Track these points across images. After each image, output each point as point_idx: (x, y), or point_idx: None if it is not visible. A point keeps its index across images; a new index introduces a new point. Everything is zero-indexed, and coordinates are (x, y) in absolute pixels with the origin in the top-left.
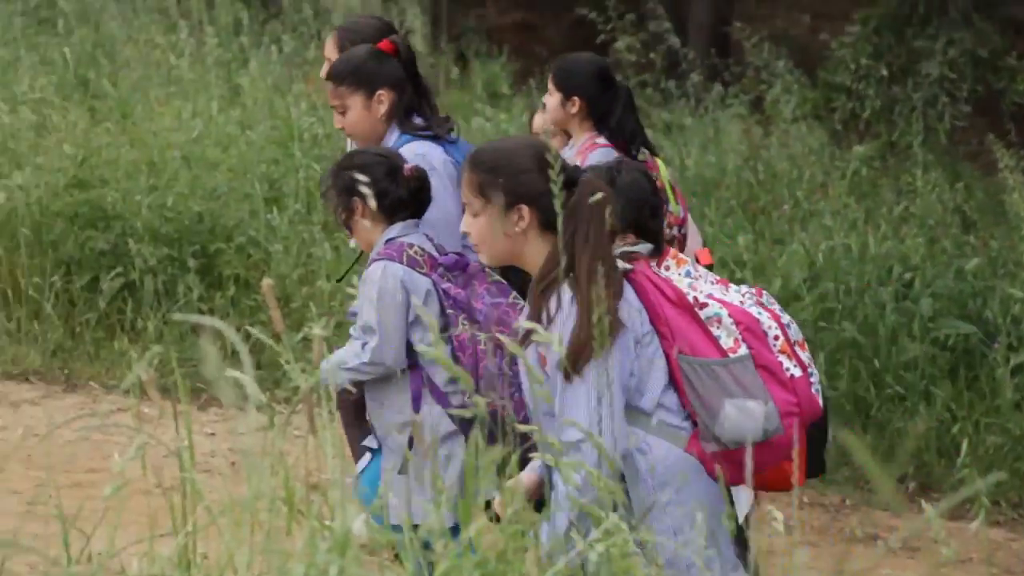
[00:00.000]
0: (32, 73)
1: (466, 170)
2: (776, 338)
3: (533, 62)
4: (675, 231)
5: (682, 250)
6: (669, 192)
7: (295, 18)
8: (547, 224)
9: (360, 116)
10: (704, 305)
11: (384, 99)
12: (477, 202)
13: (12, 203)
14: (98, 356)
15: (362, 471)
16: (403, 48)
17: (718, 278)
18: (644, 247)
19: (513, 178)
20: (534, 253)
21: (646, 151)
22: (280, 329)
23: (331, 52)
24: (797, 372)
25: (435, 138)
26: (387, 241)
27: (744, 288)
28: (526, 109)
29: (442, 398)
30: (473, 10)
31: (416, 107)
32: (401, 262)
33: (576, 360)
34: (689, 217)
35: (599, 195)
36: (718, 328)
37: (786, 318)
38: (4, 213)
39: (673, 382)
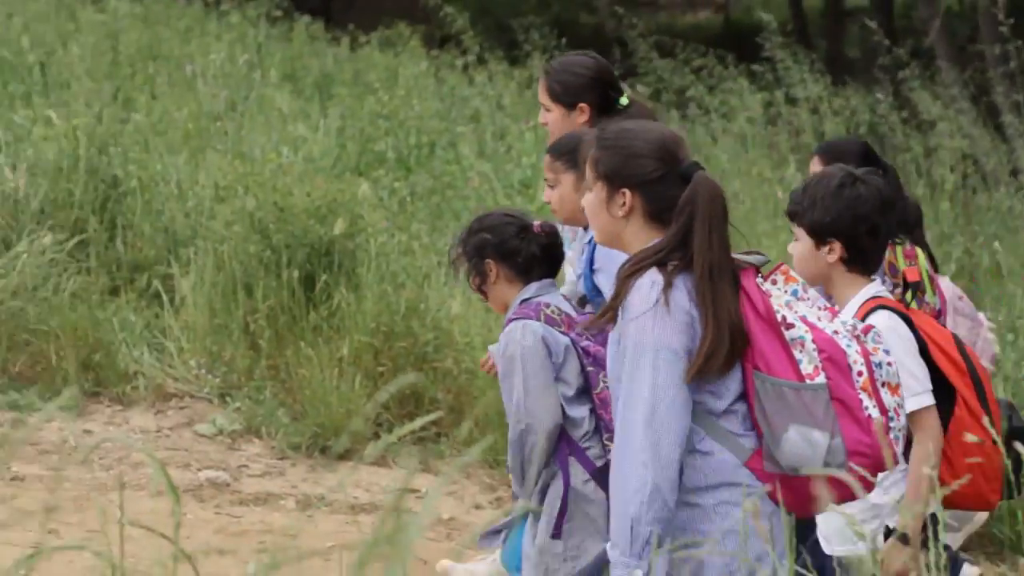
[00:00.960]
0: None
1: (591, 144)
2: (860, 374)
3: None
4: None
5: None
6: (927, 282)
7: None
8: (655, 214)
9: (567, 196)
10: (791, 326)
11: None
12: (591, 176)
13: None
14: None
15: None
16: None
17: (827, 305)
18: (756, 258)
19: (624, 161)
20: (634, 240)
21: (903, 237)
22: None
23: (543, 97)
24: (875, 413)
25: None
26: (522, 301)
27: (850, 320)
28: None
29: (581, 453)
30: None
31: None
32: (538, 320)
33: (700, 367)
34: (985, 322)
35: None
36: (800, 351)
37: (879, 358)
38: None
39: (746, 395)
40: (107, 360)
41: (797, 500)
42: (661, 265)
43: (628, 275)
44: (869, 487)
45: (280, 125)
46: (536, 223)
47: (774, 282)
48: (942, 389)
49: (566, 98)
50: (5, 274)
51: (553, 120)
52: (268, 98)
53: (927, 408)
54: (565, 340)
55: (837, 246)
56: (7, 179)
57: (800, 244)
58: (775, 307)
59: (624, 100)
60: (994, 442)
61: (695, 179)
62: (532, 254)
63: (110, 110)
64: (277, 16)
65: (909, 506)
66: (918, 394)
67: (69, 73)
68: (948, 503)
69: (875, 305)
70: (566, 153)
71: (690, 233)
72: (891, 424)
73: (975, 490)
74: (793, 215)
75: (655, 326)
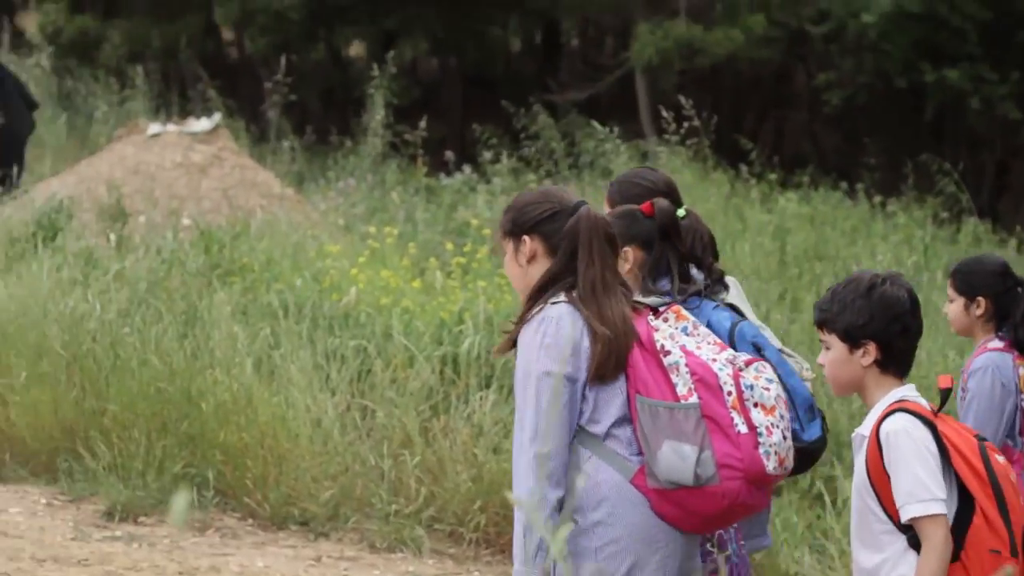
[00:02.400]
0: None
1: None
2: (729, 394)
3: None
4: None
5: None
6: None
7: None
8: (555, 250)
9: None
10: (668, 353)
11: (629, 256)
12: (500, 241)
13: None
14: None
15: None
16: (661, 210)
17: (717, 340)
18: (653, 300)
19: (518, 212)
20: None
21: None
22: None
23: (605, 207)
24: (744, 429)
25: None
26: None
27: (738, 356)
28: None
29: None
30: None
31: (667, 270)
32: None
33: (596, 373)
34: None
35: (600, 217)
36: (676, 375)
37: (750, 381)
38: None
39: (630, 418)
40: (768, 559)
41: (678, 514)
42: (549, 291)
43: (525, 307)
44: (764, 502)
45: None
46: None
47: (665, 319)
48: (965, 498)
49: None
50: None
51: None
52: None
53: (932, 517)
54: None
55: (872, 348)
56: None
57: (833, 351)
58: (658, 339)
59: (682, 212)
60: (1012, 554)
61: (578, 211)
62: None
63: (776, 310)
64: (944, 217)
65: None
66: (924, 501)
67: (739, 272)
68: None
69: (897, 407)
70: None
71: (574, 258)
72: (760, 440)
73: None
74: (823, 323)
75: (540, 353)
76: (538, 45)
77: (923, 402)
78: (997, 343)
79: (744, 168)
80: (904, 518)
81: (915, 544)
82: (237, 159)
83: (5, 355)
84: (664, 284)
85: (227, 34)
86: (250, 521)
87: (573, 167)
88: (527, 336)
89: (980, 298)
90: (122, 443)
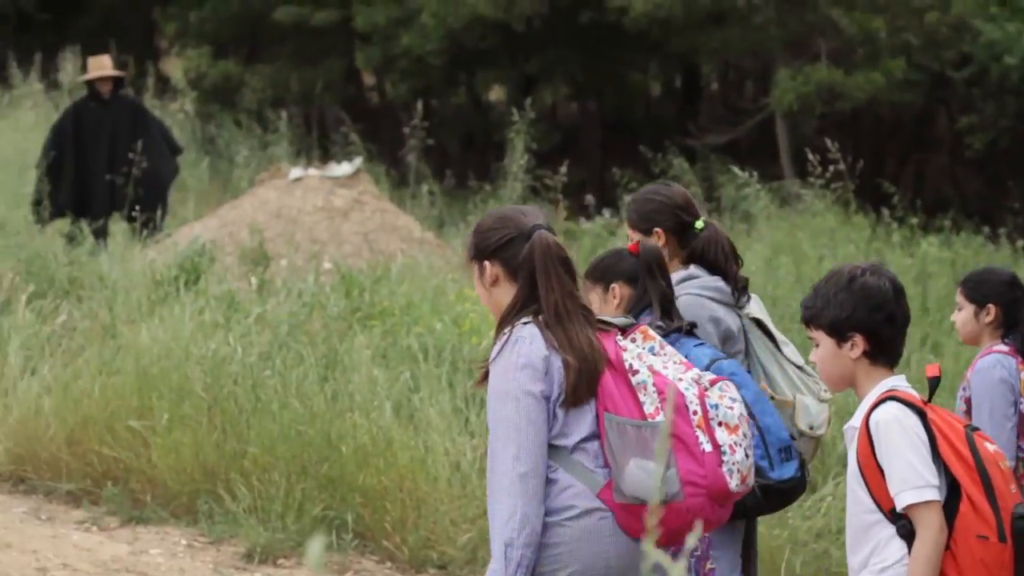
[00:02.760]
0: None
1: None
2: (695, 413)
3: None
4: None
5: None
6: None
7: None
8: (515, 275)
9: (597, 309)
10: (636, 372)
11: (616, 292)
12: (470, 267)
13: None
14: None
15: None
16: (645, 249)
17: (683, 360)
18: (620, 320)
19: (480, 238)
20: (505, 301)
21: None
22: None
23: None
24: (708, 448)
25: None
26: None
27: (703, 375)
28: None
29: None
30: None
31: (649, 306)
32: None
33: (569, 398)
34: None
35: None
36: (644, 394)
37: (715, 400)
38: None
39: (599, 434)
40: None
41: (642, 528)
42: (518, 318)
43: (496, 333)
44: (724, 517)
45: None
46: None
47: (633, 340)
48: (953, 485)
49: (642, 224)
50: (811, 516)
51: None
52: None
53: (926, 503)
54: None
55: (859, 339)
56: None
57: (822, 348)
58: (626, 358)
59: (699, 224)
60: (1000, 539)
61: (532, 237)
62: None
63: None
64: None
65: None
66: (918, 487)
67: None
68: None
69: (887, 396)
70: (589, 270)
71: (535, 285)
72: (724, 458)
73: None
74: (809, 320)
75: (517, 374)
76: (678, 89)
77: (914, 392)
78: (1002, 347)
79: (885, 212)
80: (899, 506)
81: (903, 533)
82: (377, 203)
83: (147, 397)
84: (644, 320)
85: (368, 79)
86: (388, 564)
87: (713, 211)
88: (502, 358)
89: (990, 305)
90: (262, 485)
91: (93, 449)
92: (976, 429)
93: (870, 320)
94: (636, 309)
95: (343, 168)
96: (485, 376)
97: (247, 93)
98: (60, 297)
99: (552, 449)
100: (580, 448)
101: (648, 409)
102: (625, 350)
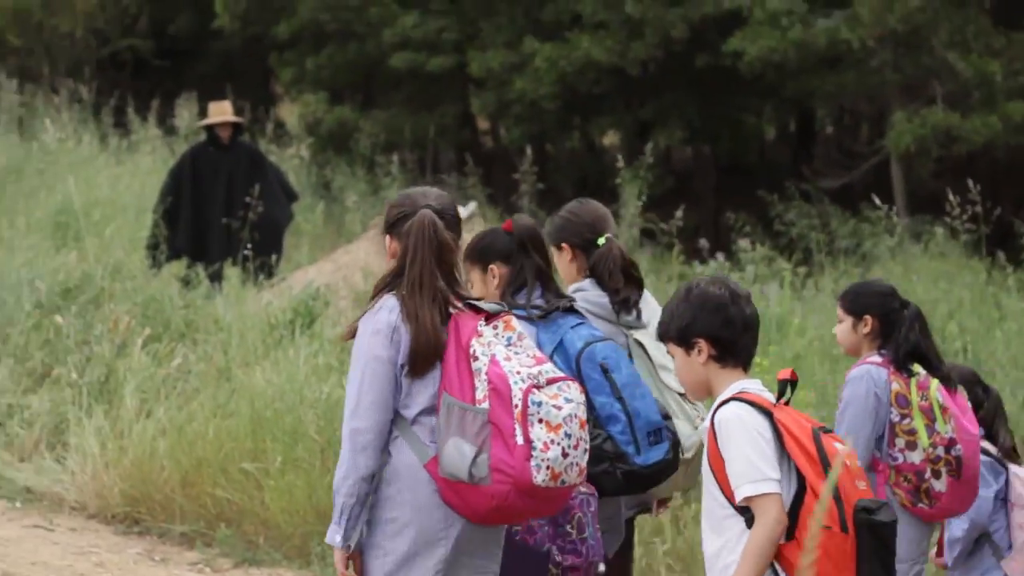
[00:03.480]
0: None
1: None
2: (516, 406)
3: None
4: (940, 451)
5: (960, 474)
6: (937, 413)
7: None
8: (404, 249)
9: (479, 290)
10: (477, 358)
11: (495, 272)
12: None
13: None
14: None
15: None
16: (519, 226)
17: (537, 354)
18: (491, 306)
19: (386, 213)
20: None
21: (923, 369)
22: None
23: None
24: (521, 441)
25: (529, 319)
26: None
27: (544, 372)
28: None
29: None
30: None
31: (525, 284)
32: None
33: (411, 367)
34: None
35: (429, 217)
36: (478, 380)
37: (540, 398)
38: None
39: (436, 409)
40: None
41: (459, 504)
42: (388, 288)
43: (370, 299)
44: (546, 509)
45: None
46: None
47: (495, 327)
48: (801, 481)
49: (552, 239)
50: None
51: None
52: None
53: (764, 496)
54: None
55: (703, 344)
56: None
57: (677, 359)
58: (474, 344)
59: (600, 240)
60: (843, 530)
61: (415, 215)
62: None
63: None
64: None
65: None
66: (754, 480)
67: (994, 360)
68: None
69: (732, 397)
70: (468, 251)
71: (405, 255)
72: (533, 453)
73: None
74: (662, 336)
75: (368, 340)
76: (792, 132)
77: (766, 394)
78: (876, 358)
79: (1001, 255)
80: (738, 498)
81: (752, 526)
82: None
83: (261, 439)
84: (521, 298)
85: (482, 123)
86: None
87: (829, 254)
88: (363, 324)
89: (868, 316)
90: None
91: (207, 491)
92: (828, 431)
93: (709, 324)
94: (513, 287)
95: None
96: (351, 334)
97: (362, 138)
98: (176, 340)
99: (397, 417)
100: (419, 421)
101: (479, 395)
102: (480, 335)
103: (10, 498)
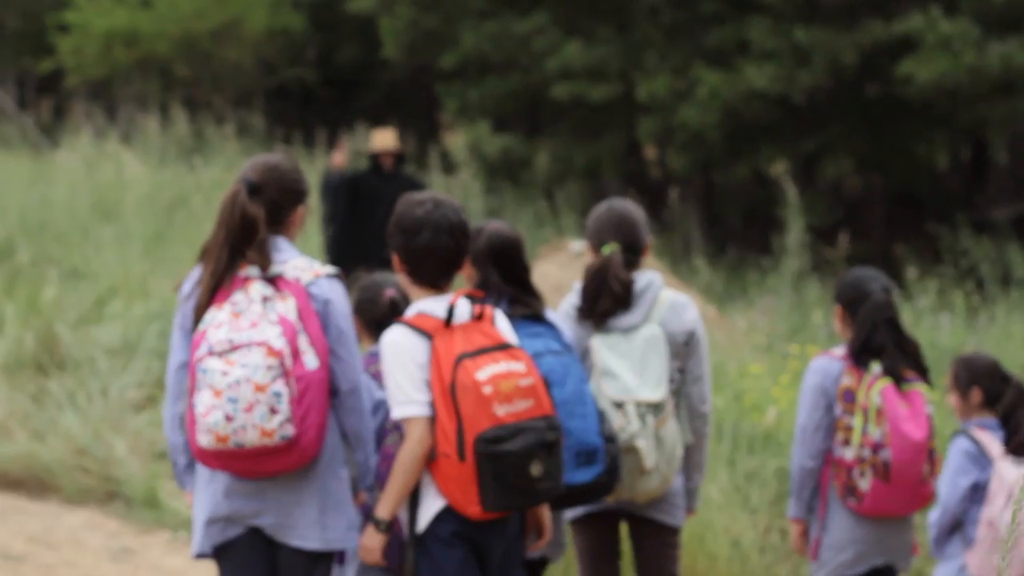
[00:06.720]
0: None
1: None
2: (193, 377)
3: None
4: (867, 452)
5: (887, 477)
6: (871, 415)
7: None
8: None
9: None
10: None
11: (467, 273)
12: None
13: None
14: None
15: None
16: (489, 233)
17: (272, 318)
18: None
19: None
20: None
21: (878, 368)
22: None
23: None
24: (195, 407)
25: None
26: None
27: (243, 343)
28: None
29: None
30: None
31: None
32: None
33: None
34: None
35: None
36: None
37: (209, 366)
38: None
39: None
40: None
41: (240, 468)
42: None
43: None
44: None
45: None
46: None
47: (245, 290)
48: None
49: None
50: None
51: None
52: None
53: (408, 419)
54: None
55: (396, 258)
56: None
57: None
58: (225, 304)
59: (605, 249)
60: (460, 457)
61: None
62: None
63: None
64: None
65: (383, 497)
66: (401, 403)
67: None
68: None
69: (400, 320)
70: None
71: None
72: (196, 416)
73: (452, 499)
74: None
75: (181, 308)
76: (965, 162)
77: (439, 314)
78: (837, 350)
79: None
80: (391, 418)
81: None
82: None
83: None
84: (490, 300)
85: (649, 152)
86: None
87: (1003, 286)
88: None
89: (838, 306)
90: None
91: None
92: (470, 355)
93: (398, 241)
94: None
95: None
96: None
97: (531, 167)
98: None
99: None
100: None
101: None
102: (234, 299)
103: (175, 528)
